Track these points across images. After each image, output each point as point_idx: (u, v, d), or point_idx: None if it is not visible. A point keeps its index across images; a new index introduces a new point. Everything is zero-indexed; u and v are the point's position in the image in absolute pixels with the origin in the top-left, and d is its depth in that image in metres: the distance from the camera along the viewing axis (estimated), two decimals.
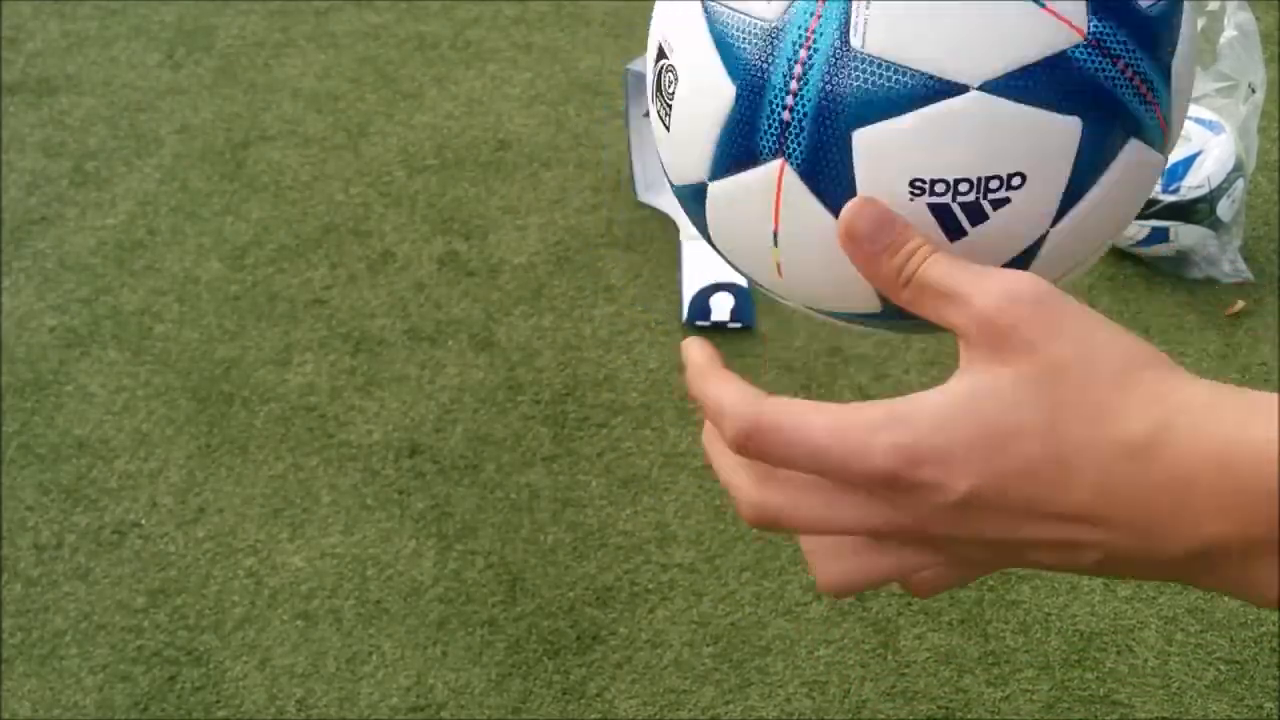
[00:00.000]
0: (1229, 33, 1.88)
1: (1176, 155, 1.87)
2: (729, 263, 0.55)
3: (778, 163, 0.48)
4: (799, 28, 0.47)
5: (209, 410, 1.77)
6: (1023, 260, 0.49)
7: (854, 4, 0.47)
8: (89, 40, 2.50)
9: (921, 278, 0.43)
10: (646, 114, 2.00)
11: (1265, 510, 0.37)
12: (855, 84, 0.46)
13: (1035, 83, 0.46)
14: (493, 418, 1.76)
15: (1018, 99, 0.46)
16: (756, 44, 0.48)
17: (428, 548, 1.59)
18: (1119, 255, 2.02)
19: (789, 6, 0.48)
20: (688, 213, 0.55)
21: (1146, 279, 1.98)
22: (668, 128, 0.53)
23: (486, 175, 2.18)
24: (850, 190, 0.48)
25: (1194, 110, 1.90)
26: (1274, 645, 1.49)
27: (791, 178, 0.48)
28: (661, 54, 0.53)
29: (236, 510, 1.64)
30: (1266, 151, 2.20)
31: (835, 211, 0.47)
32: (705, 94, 0.49)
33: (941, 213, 0.47)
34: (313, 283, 1.97)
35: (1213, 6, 1.91)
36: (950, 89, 0.46)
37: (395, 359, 1.84)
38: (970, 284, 0.42)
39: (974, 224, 0.47)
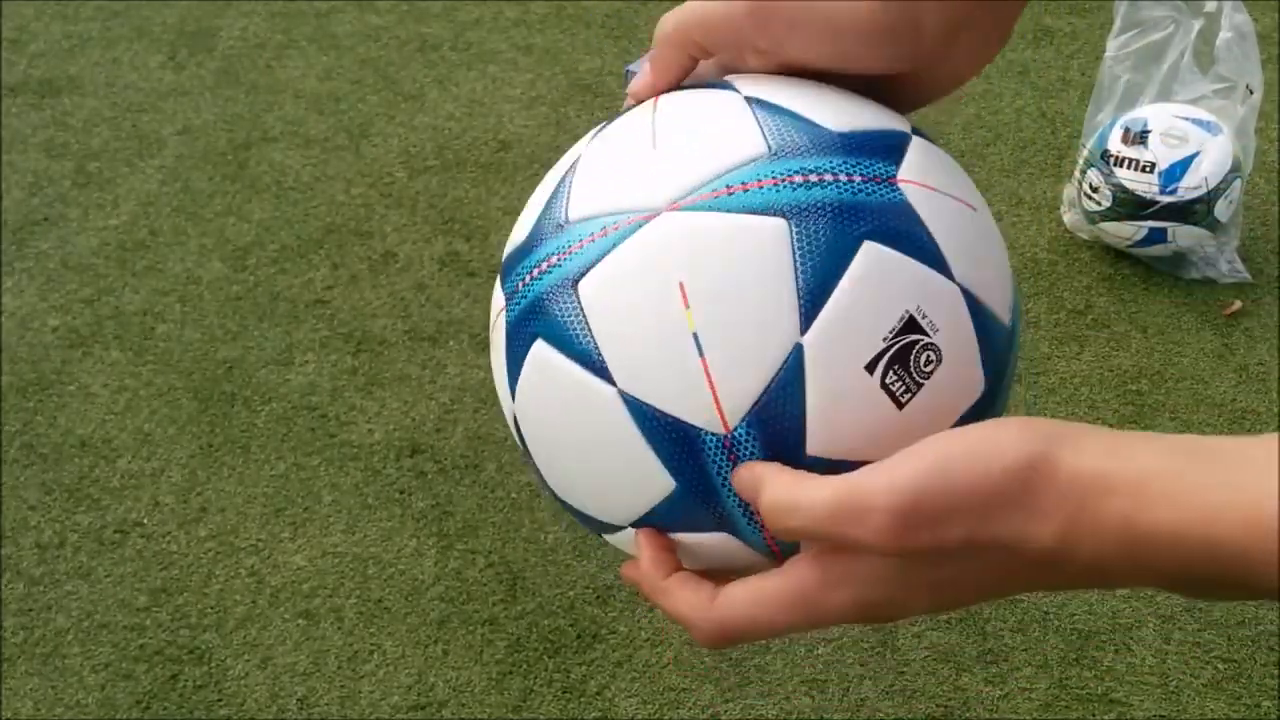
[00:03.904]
0: (1226, 34, 1.89)
1: (1175, 156, 1.87)
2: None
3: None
4: None
5: (211, 410, 1.77)
6: None
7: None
8: (91, 41, 2.51)
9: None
10: None
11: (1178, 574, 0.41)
12: None
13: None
14: (493, 417, 1.76)
15: None
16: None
17: (429, 547, 1.60)
18: (1117, 255, 2.02)
19: None
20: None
21: (1144, 279, 1.99)
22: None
23: (487, 176, 2.19)
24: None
25: (1192, 111, 1.91)
26: (1271, 644, 1.49)
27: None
28: None
29: (238, 509, 1.64)
30: (1264, 152, 2.20)
31: None
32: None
33: None
34: (314, 283, 1.98)
35: (1210, 8, 1.92)
36: None
37: (396, 359, 1.85)
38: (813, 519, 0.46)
39: None
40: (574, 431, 0.53)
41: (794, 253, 0.49)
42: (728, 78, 0.57)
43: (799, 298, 0.48)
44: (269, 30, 2.55)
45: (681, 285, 0.49)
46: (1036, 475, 0.41)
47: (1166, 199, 1.88)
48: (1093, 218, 1.99)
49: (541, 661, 1.48)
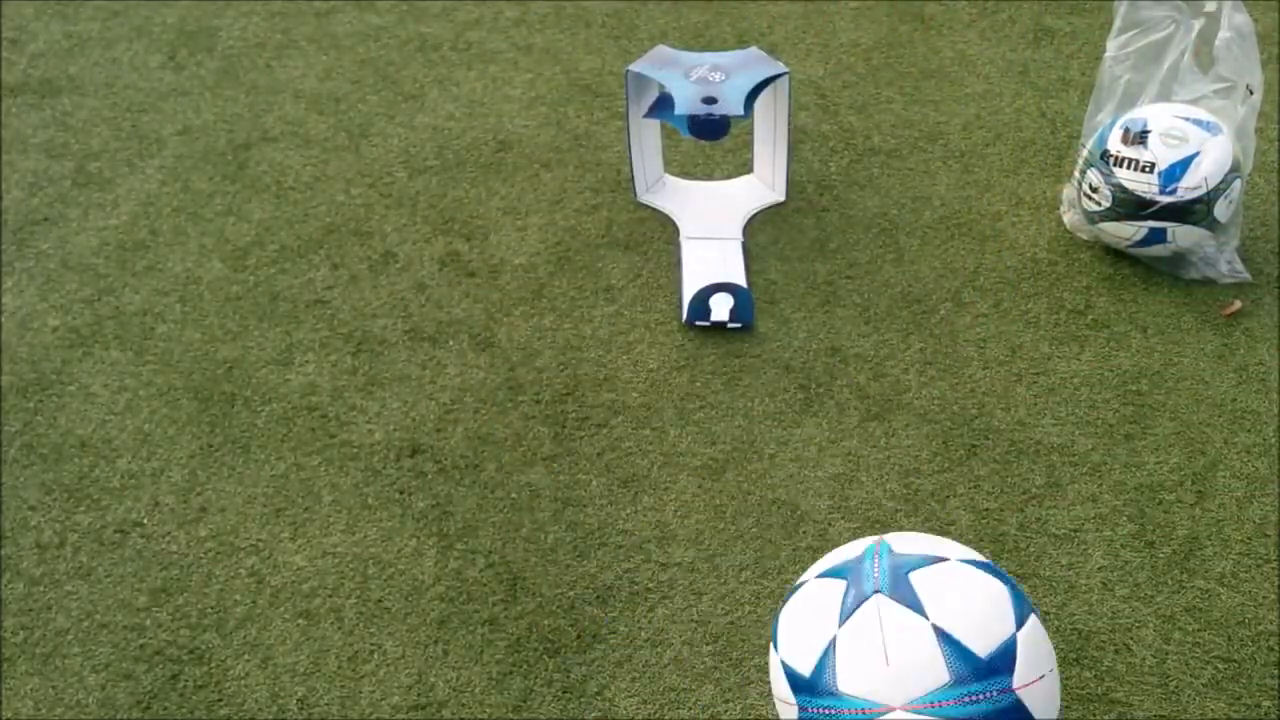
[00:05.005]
0: (1225, 34, 1.89)
1: (1175, 156, 1.87)
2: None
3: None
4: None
5: (211, 410, 1.77)
6: None
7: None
8: (91, 41, 2.51)
9: None
10: (647, 114, 2.01)
11: None
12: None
13: None
14: (493, 417, 1.77)
15: None
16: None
17: (429, 547, 1.60)
18: (1117, 255, 2.02)
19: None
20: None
21: (1144, 279, 1.99)
22: None
23: (487, 176, 2.19)
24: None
25: (1191, 111, 1.91)
26: (1271, 644, 1.49)
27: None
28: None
29: (238, 509, 1.64)
30: (1264, 152, 2.20)
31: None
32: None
33: None
34: (314, 283, 1.98)
35: (1210, 8, 1.92)
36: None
37: (396, 359, 1.85)
38: None
39: None
40: None
41: None
42: (921, 597, 1.10)
43: None
44: (269, 30, 2.55)
45: None
46: None
47: (1166, 199, 1.88)
48: (1093, 218, 1.99)
49: (541, 662, 1.48)
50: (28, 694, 1.45)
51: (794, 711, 1.09)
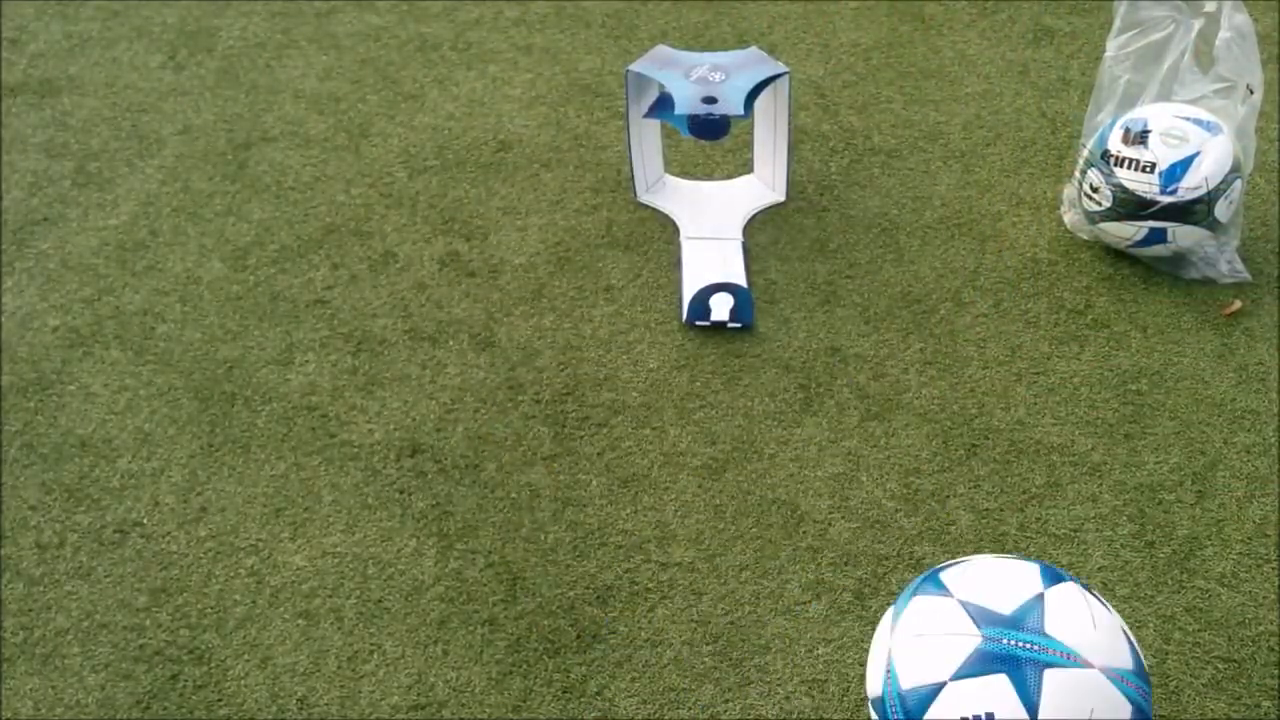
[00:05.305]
0: (1225, 34, 1.89)
1: (1175, 156, 1.87)
2: None
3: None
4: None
5: (211, 410, 1.77)
6: None
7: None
8: (91, 41, 2.51)
9: None
10: (647, 114, 2.01)
11: None
12: None
13: None
14: (493, 417, 1.77)
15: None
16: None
17: (428, 547, 1.60)
18: (1117, 255, 2.02)
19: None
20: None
21: (1144, 279, 1.99)
22: None
23: (487, 176, 2.19)
24: None
25: (1192, 111, 1.91)
26: (1272, 644, 1.49)
27: None
28: None
29: (238, 509, 1.64)
30: (1264, 152, 2.20)
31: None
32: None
33: None
34: (314, 283, 1.98)
35: (1210, 8, 1.92)
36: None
37: (396, 359, 1.85)
38: None
39: None
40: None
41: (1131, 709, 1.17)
42: (1103, 600, 1.25)
43: None
44: (269, 30, 2.55)
45: (1092, 710, 1.14)
46: None
47: (1166, 199, 1.88)
48: (1093, 218, 1.99)
49: (541, 661, 1.48)
50: (28, 694, 1.45)
51: (972, 642, 1.17)
